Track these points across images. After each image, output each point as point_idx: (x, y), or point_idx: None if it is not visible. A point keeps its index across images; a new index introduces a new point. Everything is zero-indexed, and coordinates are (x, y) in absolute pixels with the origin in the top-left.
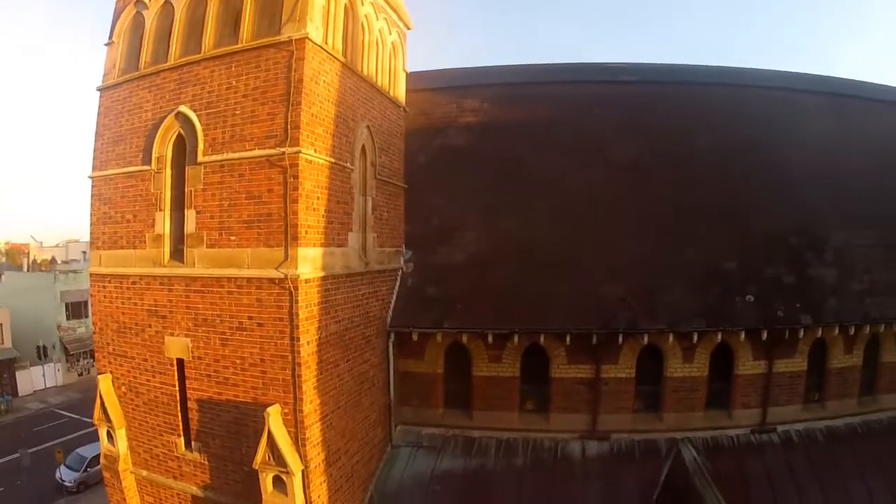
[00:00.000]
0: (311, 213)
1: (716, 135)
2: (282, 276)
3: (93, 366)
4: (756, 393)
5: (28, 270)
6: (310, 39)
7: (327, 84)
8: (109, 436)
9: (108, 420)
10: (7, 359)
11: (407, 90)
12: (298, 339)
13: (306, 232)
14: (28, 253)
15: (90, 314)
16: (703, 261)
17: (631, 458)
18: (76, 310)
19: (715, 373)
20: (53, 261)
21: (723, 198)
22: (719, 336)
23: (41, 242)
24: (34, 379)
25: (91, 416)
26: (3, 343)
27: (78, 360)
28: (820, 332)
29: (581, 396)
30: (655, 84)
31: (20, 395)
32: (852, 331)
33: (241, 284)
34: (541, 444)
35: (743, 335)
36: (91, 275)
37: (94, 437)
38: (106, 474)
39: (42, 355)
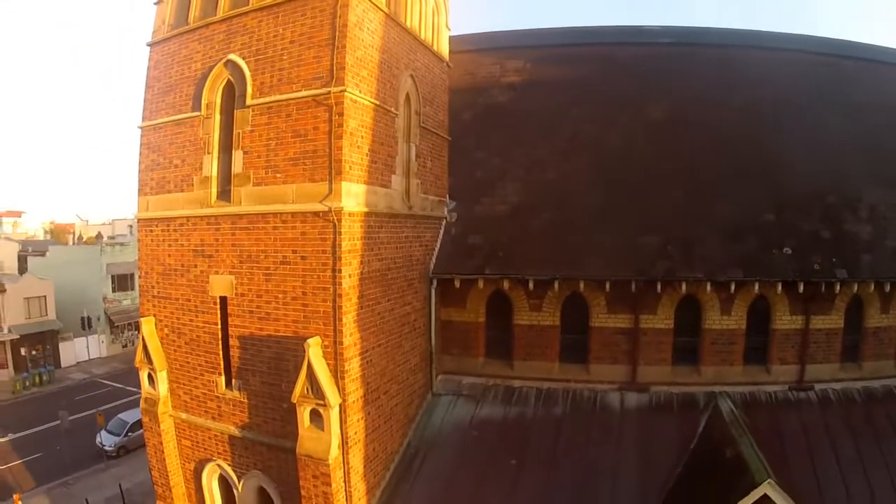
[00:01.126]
0: (354, 150)
1: (750, 95)
2: (326, 208)
3: (137, 337)
4: (793, 349)
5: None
6: None
7: (371, 31)
8: (150, 379)
9: (150, 362)
10: (50, 330)
11: (452, 51)
12: (340, 272)
13: (350, 168)
14: (73, 232)
15: (136, 286)
16: (738, 214)
17: (669, 410)
18: (122, 282)
19: (753, 327)
20: (99, 236)
21: (757, 155)
22: (756, 287)
23: (87, 220)
24: (77, 350)
25: (134, 386)
26: (46, 315)
27: (122, 332)
28: (856, 288)
29: (620, 347)
30: (690, 46)
31: (63, 365)
32: (888, 288)
33: (285, 219)
34: (580, 395)
35: (780, 287)
36: (139, 220)
37: (136, 404)
38: (145, 418)
39: (87, 326)
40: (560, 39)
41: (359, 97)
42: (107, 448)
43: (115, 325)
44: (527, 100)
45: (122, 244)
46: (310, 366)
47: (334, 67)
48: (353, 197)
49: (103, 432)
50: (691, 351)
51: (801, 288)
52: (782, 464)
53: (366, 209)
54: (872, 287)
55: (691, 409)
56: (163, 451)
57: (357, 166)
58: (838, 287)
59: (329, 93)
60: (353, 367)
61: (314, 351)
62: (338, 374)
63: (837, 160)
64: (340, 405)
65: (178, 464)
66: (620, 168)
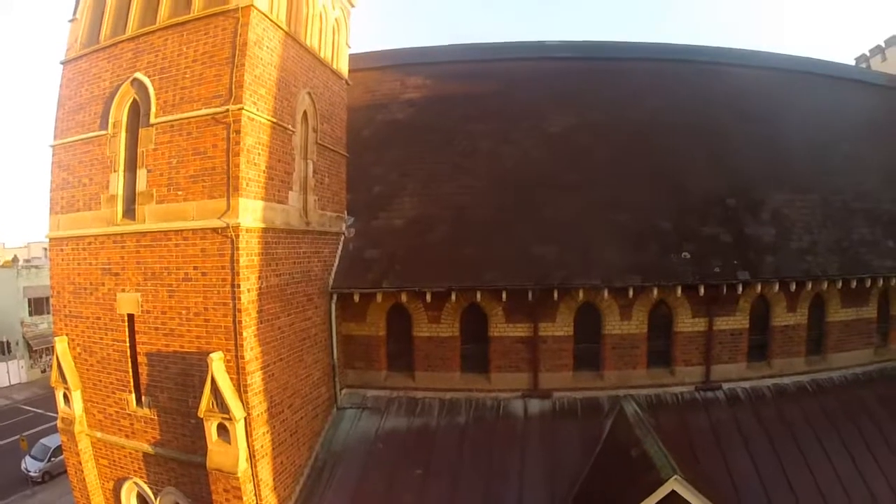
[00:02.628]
0: (251, 167)
1: (650, 106)
2: (224, 224)
3: None
4: (698, 350)
5: None
6: (255, 7)
7: (270, 50)
8: (66, 398)
9: (64, 381)
10: None
11: (355, 69)
12: (239, 287)
13: (247, 184)
14: None
15: (52, 310)
16: (637, 222)
17: (573, 416)
18: (38, 305)
19: (655, 330)
20: (15, 259)
21: (657, 164)
22: (655, 292)
23: (3, 243)
24: None
25: (55, 412)
26: None
27: (41, 357)
28: (759, 289)
29: (521, 355)
30: (589, 60)
31: None
32: (793, 287)
33: (186, 236)
34: (483, 403)
35: (679, 291)
36: (49, 239)
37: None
38: (63, 437)
39: (5, 352)
40: (461, 55)
41: (256, 115)
42: (32, 474)
43: (34, 349)
44: (425, 115)
45: (37, 267)
46: (213, 380)
47: (233, 85)
48: (250, 213)
49: (28, 458)
50: (594, 356)
51: (702, 291)
52: (692, 461)
53: (263, 225)
54: (777, 287)
55: (596, 414)
56: (82, 471)
57: (254, 183)
58: (741, 288)
59: (227, 111)
60: (256, 380)
61: (217, 365)
62: (241, 387)
63: (739, 166)
64: (245, 419)
65: (97, 483)
66: (517, 180)
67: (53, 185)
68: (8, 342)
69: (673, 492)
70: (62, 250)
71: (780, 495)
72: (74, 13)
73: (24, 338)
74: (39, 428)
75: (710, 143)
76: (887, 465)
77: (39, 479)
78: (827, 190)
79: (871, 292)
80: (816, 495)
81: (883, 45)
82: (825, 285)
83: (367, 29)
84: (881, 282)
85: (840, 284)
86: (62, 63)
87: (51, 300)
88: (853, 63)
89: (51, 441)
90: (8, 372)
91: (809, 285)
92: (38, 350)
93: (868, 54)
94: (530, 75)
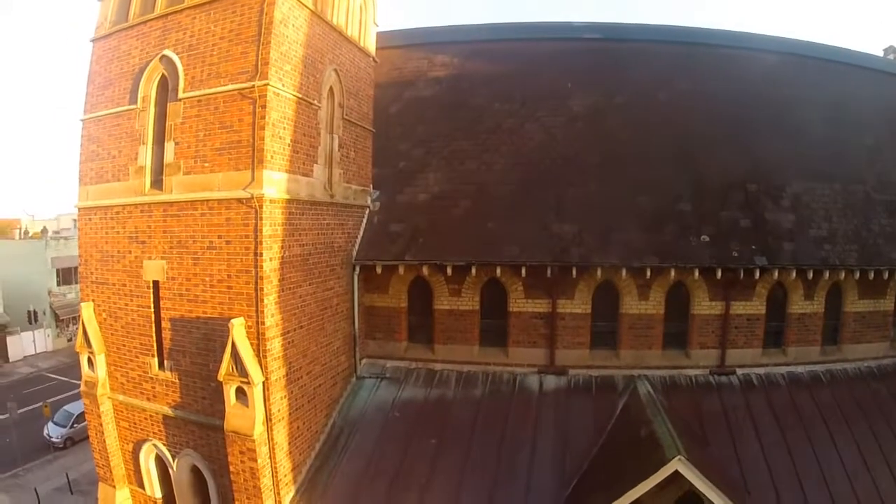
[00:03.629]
0: (276, 140)
1: (675, 90)
2: (248, 195)
3: None
4: (714, 334)
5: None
6: None
7: (296, 28)
8: (90, 362)
9: (89, 346)
10: None
11: (383, 47)
12: (261, 255)
13: (272, 157)
14: (20, 227)
15: (80, 277)
16: (658, 203)
17: (587, 393)
18: (66, 276)
19: (672, 312)
20: (45, 231)
21: (680, 147)
22: (673, 273)
23: (33, 215)
24: (24, 344)
25: (79, 379)
26: None
27: (68, 326)
28: (776, 275)
29: (539, 331)
30: (616, 41)
31: (11, 360)
32: (810, 275)
33: (212, 206)
34: (499, 377)
35: (697, 273)
36: (78, 209)
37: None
38: (85, 400)
39: (33, 321)
40: (488, 35)
41: (281, 90)
42: (54, 440)
43: (61, 318)
44: (452, 93)
45: (66, 238)
46: (234, 345)
47: (259, 62)
48: (274, 185)
49: (50, 424)
50: (610, 335)
51: (719, 274)
52: (702, 444)
53: (287, 196)
54: (794, 274)
55: (610, 392)
56: (103, 433)
57: (279, 156)
58: (758, 273)
59: (253, 86)
60: (275, 346)
61: (238, 331)
62: (260, 353)
63: (762, 152)
64: (263, 383)
65: (117, 445)
66: (539, 159)
67: (83, 158)
68: (35, 311)
69: (677, 472)
70: (90, 219)
71: (786, 483)
72: None
73: (51, 307)
74: (63, 395)
75: (733, 128)
76: (894, 459)
77: (61, 445)
78: (849, 179)
79: (889, 285)
80: (822, 485)
81: None
82: (843, 275)
83: (401, 7)
84: None
85: (858, 275)
86: (92, 41)
87: (78, 268)
88: (881, 54)
89: (73, 408)
90: (34, 340)
91: (827, 274)
92: (65, 319)
93: None
94: (556, 55)
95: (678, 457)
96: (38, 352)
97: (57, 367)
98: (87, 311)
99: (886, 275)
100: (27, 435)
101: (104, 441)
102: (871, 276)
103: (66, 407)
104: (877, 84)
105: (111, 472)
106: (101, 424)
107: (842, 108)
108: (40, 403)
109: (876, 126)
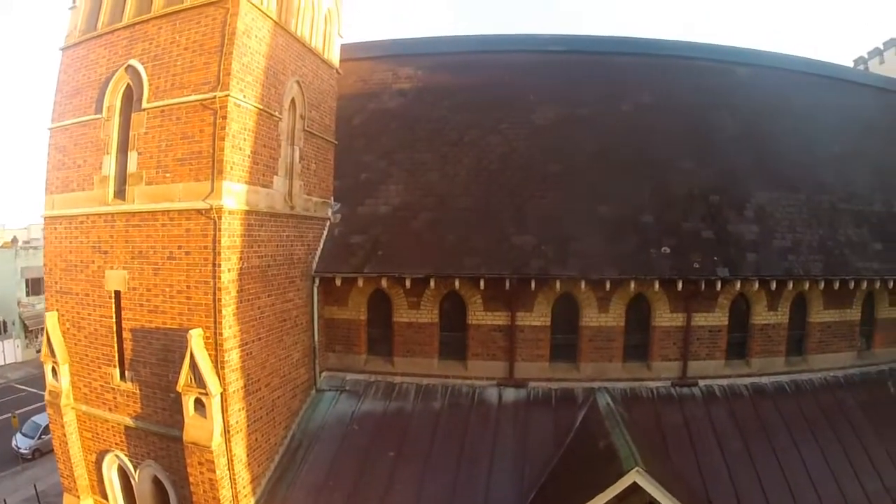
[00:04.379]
0: (236, 151)
1: (640, 102)
2: (208, 206)
3: None
4: (675, 345)
5: None
6: None
7: (259, 39)
8: (54, 372)
9: (53, 356)
10: None
11: (349, 58)
12: (220, 266)
13: (231, 168)
14: None
15: (45, 286)
16: (619, 215)
17: (547, 406)
18: (36, 286)
19: (633, 324)
20: (14, 240)
21: (643, 159)
22: (633, 285)
23: (3, 225)
24: None
25: None
26: None
27: (37, 337)
28: (739, 286)
29: (498, 344)
30: (580, 53)
31: None
32: (774, 286)
33: (172, 217)
34: (459, 390)
35: (657, 285)
36: (45, 218)
37: None
38: (49, 410)
39: (2, 331)
40: (453, 47)
41: (242, 101)
42: (22, 451)
43: (30, 329)
44: (415, 105)
45: (36, 248)
46: (192, 356)
47: (221, 73)
48: (233, 196)
49: (18, 435)
50: (570, 347)
51: (680, 286)
52: (663, 456)
53: (246, 208)
54: (757, 285)
55: (569, 405)
56: (66, 443)
57: (239, 167)
58: (720, 285)
59: (215, 97)
60: (233, 357)
61: (196, 342)
62: (218, 364)
63: (726, 163)
64: (221, 394)
65: (81, 455)
66: (501, 171)
67: (50, 167)
68: (4, 322)
69: (636, 483)
70: (56, 229)
71: (750, 494)
72: (74, 1)
73: (20, 318)
74: (32, 407)
75: (697, 140)
76: (863, 471)
77: (30, 457)
78: (815, 190)
79: (856, 294)
80: (787, 495)
81: (881, 47)
82: (807, 285)
83: (381, 18)
84: (865, 284)
85: (823, 285)
86: (61, 49)
87: (43, 277)
88: (851, 65)
89: (42, 419)
90: (3, 351)
91: (791, 285)
92: (34, 330)
93: (867, 56)
94: (521, 68)
95: (636, 468)
96: (6, 362)
97: (26, 378)
98: (51, 321)
99: (852, 285)
100: None
101: (68, 452)
102: (837, 286)
103: (34, 418)
104: (846, 94)
105: (75, 482)
106: (64, 435)
107: (809, 118)
108: (9, 414)
109: (844, 136)
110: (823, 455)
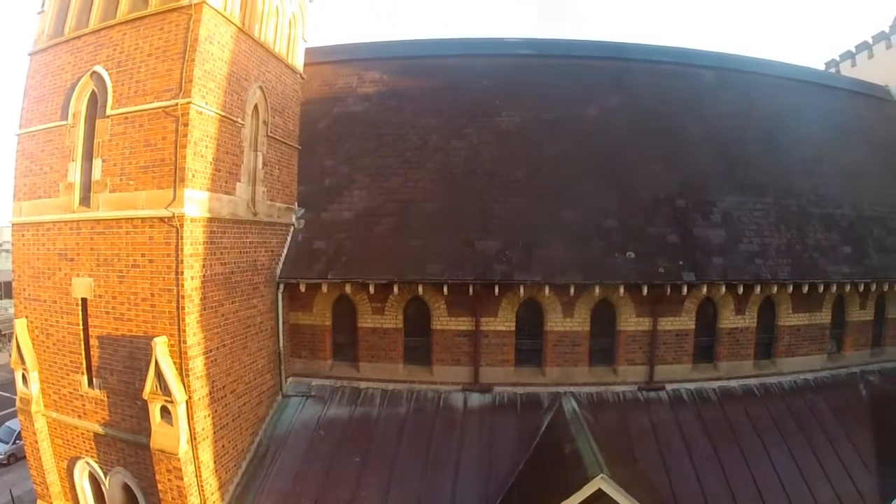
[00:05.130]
0: (198, 159)
1: (606, 106)
2: (170, 214)
3: None
4: (641, 350)
5: None
6: (207, 4)
7: (222, 45)
8: (24, 379)
9: (23, 363)
10: None
11: (314, 62)
12: (182, 274)
13: (193, 175)
14: None
15: (14, 293)
16: (583, 220)
17: (513, 410)
18: (8, 290)
19: (599, 328)
20: None
21: (608, 163)
22: (597, 290)
23: None
24: None
25: None
26: None
27: (9, 341)
28: (705, 290)
29: (463, 349)
30: (548, 57)
31: None
32: (741, 290)
33: (136, 224)
34: (424, 395)
35: (622, 290)
36: (12, 225)
37: None
38: (20, 417)
39: None
40: (420, 51)
41: (204, 108)
42: None
43: (3, 333)
44: (380, 110)
45: (8, 251)
46: (157, 364)
47: (183, 80)
48: (195, 203)
49: None
50: (536, 352)
51: (646, 291)
52: (630, 461)
53: (209, 215)
54: (724, 289)
55: (535, 409)
56: (38, 450)
57: (201, 174)
58: (686, 289)
59: (177, 104)
60: (198, 365)
61: (161, 349)
62: (183, 371)
63: (693, 168)
64: (187, 402)
65: (52, 462)
66: (465, 175)
67: (17, 173)
68: None
69: (601, 490)
70: (23, 235)
71: (719, 498)
72: (42, 5)
73: None
74: (6, 411)
75: (664, 144)
76: (834, 473)
77: (5, 462)
78: (783, 193)
79: (825, 298)
80: (756, 499)
81: (854, 50)
82: (775, 289)
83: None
84: (835, 287)
85: (791, 289)
86: (29, 55)
87: (13, 283)
88: (823, 68)
89: (16, 424)
90: None
91: (758, 288)
92: (7, 334)
93: (838, 59)
94: (487, 71)
95: (600, 475)
96: None
97: (1, 383)
98: (20, 328)
99: (822, 288)
100: None
101: (40, 458)
102: (805, 289)
103: (8, 423)
104: (816, 97)
105: (48, 489)
106: (36, 441)
107: (778, 121)
108: None
109: (814, 139)
110: (794, 458)
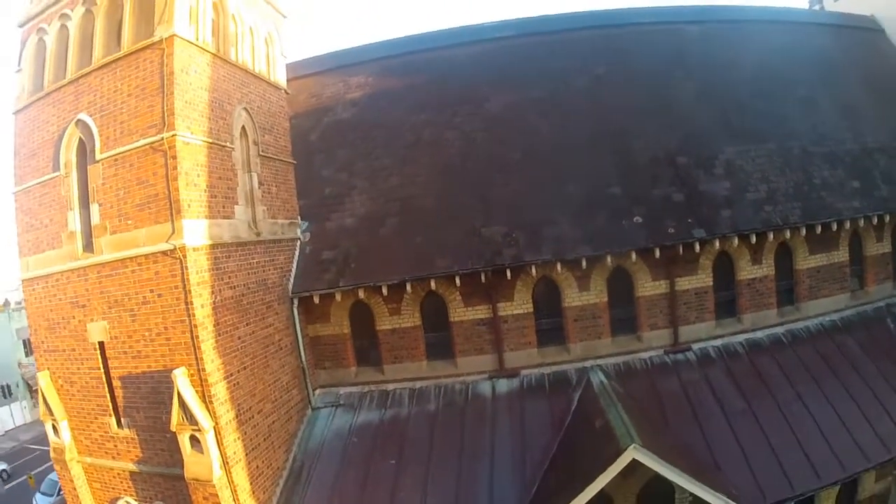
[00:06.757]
0: (191, 188)
1: (594, 74)
2: (171, 247)
3: None
4: (662, 313)
5: None
6: (178, 36)
7: (199, 74)
8: (55, 429)
9: (52, 413)
10: None
11: (298, 76)
12: (192, 303)
13: (189, 206)
14: None
15: (33, 347)
16: (585, 191)
17: (541, 392)
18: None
19: (617, 298)
20: (7, 303)
21: (602, 131)
22: (609, 260)
23: None
24: (3, 419)
25: None
26: None
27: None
28: (718, 245)
29: (483, 337)
30: (530, 36)
31: None
32: (753, 239)
33: (140, 262)
34: (451, 388)
35: (634, 256)
36: (22, 281)
37: None
38: (56, 467)
39: (6, 395)
40: (400, 49)
41: (190, 138)
42: None
43: (34, 389)
44: (369, 113)
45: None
46: (179, 395)
47: (165, 114)
48: (195, 232)
49: (38, 495)
50: (557, 330)
51: (658, 253)
52: (662, 426)
53: (210, 242)
54: (737, 241)
55: (564, 388)
56: (77, 496)
57: (196, 203)
58: (698, 246)
59: (162, 139)
60: (220, 390)
61: (181, 381)
62: (206, 399)
63: (689, 123)
64: (214, 428)
65: None
66: (461, 165)
67: (20, 230)
68: (8, 385)
69: (635, 460)
70: (34, 290)
71: (757, 452)
72: (19, 64)
73: (22, 378)
74: (47, 465)
75: (657, 104)
76: (873, 413)
77: None
78: (783, 137)
79: (840, 236)
80: (799, 453)
81: None
82: (788, 234)
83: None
84: (848, 224)
85: (804, 231)
86: (14, 114)
87: (30, 338)
88: (807, 5)
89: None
90: (12, 414)
91: (771, 235)
92: (38, 390)
93: None
94: (470, 59)
95: (632, 445)
96: (17, 425)
97: (37, 438)
98: (44, 380)
99: (835, 226)
100: None
101: None
102: (819, 230)
103: (51, 476)
104: (804, 37)
105: None
106: (74, 488)
107: (768, 66)
108: (24, 476)
109: (807, 78)
110: (830, 402)
